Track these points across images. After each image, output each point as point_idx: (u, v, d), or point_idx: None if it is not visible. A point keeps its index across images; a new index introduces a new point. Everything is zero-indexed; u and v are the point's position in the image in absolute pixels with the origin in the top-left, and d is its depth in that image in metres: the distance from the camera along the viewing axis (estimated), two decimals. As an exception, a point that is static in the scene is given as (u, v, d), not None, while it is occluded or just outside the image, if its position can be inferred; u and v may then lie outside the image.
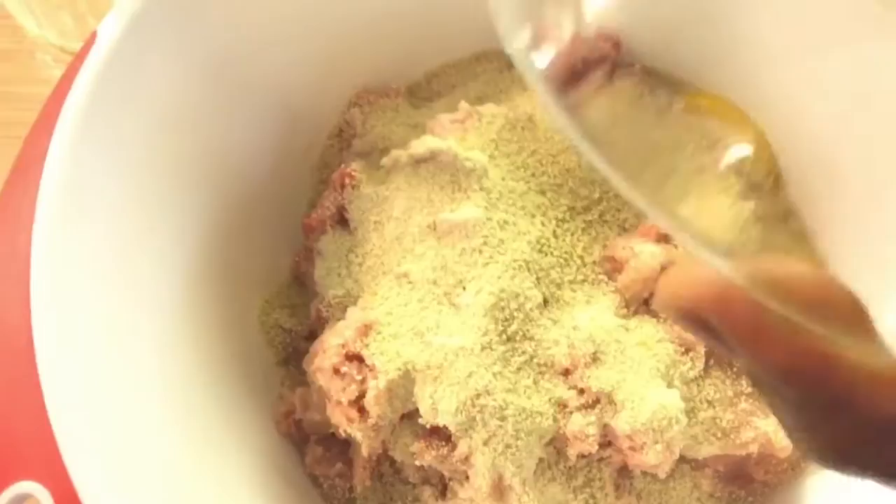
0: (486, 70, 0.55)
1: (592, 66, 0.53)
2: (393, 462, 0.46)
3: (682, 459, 0.44)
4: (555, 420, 0.42)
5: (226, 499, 0.42)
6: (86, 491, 0.33)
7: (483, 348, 0.41)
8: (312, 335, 0.49)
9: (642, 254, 0.45)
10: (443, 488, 0.45)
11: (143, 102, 0.43)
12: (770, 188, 0.51)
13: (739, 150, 0.50)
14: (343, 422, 0.43)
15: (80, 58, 0.38)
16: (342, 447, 0.47)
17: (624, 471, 0.45)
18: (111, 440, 0.36)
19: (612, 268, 0.46)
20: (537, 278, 0.44)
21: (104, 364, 0.37)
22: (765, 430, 0.44)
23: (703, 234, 0.21)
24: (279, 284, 0.53)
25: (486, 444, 0.40)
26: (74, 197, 0.37)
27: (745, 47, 0.50)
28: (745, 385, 0.45)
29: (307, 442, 0.48)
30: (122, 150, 0.41)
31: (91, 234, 0.39)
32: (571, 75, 0.53)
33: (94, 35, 0.38)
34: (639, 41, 0.54)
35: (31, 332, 0.34)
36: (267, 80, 0.50)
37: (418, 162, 0.45)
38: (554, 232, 0.46)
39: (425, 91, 0.56)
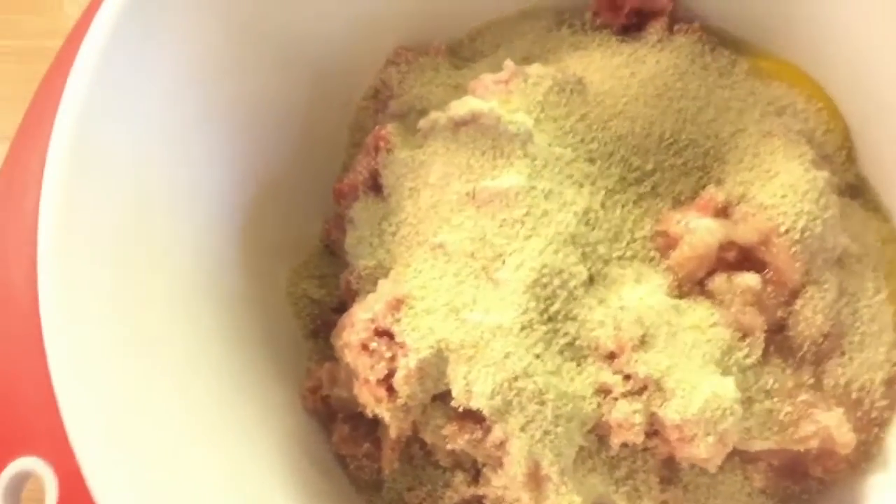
0: (534, 28, 0.52)
1: (649, 18, 0.50)
2: (423, 444, 0.44)
3: (734, 451, 0.41)
4: (598, 406, 0.40)
5: (243, 477, 0.41)
6: (91, 468, 0.31)
7: (522, 328, 0.39)
8: (342, 307, 0.47)
9: (698, 229, 0.42)
10: (475, 474, 0.44)
11: (165, 55, 0.41)
12: (842, 161, 0.47)
13: (811, 117, 0.47)
14: (371, 401, 0.41)
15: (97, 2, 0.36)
16: (370, 426, 0.46)
17: (670, 462, 0.42)
18: (121, 412, 0.34)
19: (665, 244, 0.43)
20: (583, 253, 0.42)
21: (115, 331, 0.36)
22: (826, 424, 0.41)
23: None
24: (308, 253, 0.51)
25: (522, 429, 0.38)
26: (87, 155, 0.35)
27: (816, 10, 0.47)
28: (806, 375, 0.42)
29: (334, 419, 0.47)
30: (142, 106, 0.39)
31: (106, 194, 0.37)
32: (630, 26, 0.50)
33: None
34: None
35: (37, 295, 0.32)
36: (300, 36, 0.48)
37: (458, 125, 0.43)
38: (603, 203, 0.43)
39: (468, 50, 0.53)
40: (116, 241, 0.36)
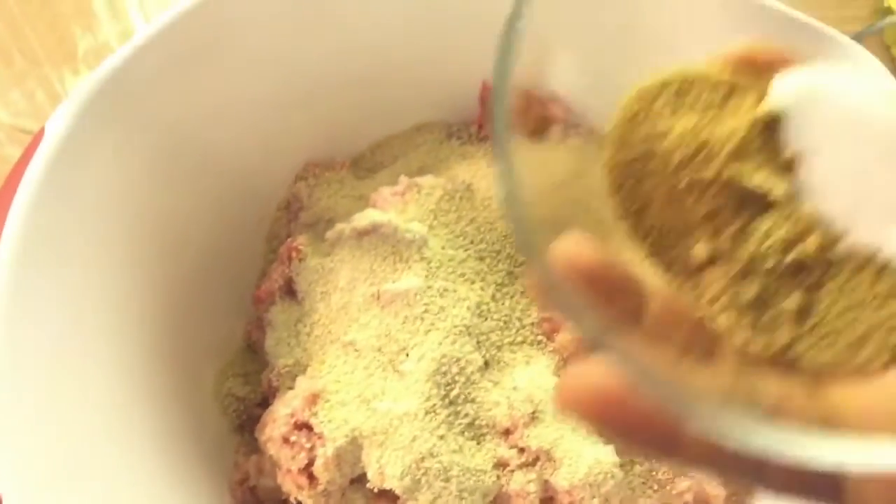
0: (427, 141, 0.57)
1: (548, 123, 0.56)
2: (345, 525, 0.47)
3: (622, 509, 0.46)
4: (497, 479, 0.43)
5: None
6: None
7: (427, 413, 0.43)
8: (265, 402, 0.50)
9: (577, 315, 0.47)
10: (393, 549, 0.46)
11: (93, 189, 0.44)
12: None
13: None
14: (293, 489, 0.44)
15: (28, 152, 0.40)
16: (296, 513, 0.48)
17: (567, 524, 0.46)
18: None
19: (550, 328, 0.48)
20: (478, 342, 0.46)
21: (52, 439, 0.38)
22: (699, 479, 0.46)
23: None
24: (233, 353, 0.54)
25: (431, 505, 0.42)
26: (23, 287, 0.39)
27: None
28: (679, 437, 0.47)
29: (262, 508, 0.49)
30: (73, 238, 0.42)
31: (40, 313, 0.40)
32: (535, 131, 0.56)
33: (41, 132, 0.40)
34: (584, 104, 0.56)
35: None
36: (218, 157, 0.52)
37: (361, 234, 0.47)
38: (493, 296, 0.48)
39: (369, 162, 0.58)
40: (51, 355, 0.40)
